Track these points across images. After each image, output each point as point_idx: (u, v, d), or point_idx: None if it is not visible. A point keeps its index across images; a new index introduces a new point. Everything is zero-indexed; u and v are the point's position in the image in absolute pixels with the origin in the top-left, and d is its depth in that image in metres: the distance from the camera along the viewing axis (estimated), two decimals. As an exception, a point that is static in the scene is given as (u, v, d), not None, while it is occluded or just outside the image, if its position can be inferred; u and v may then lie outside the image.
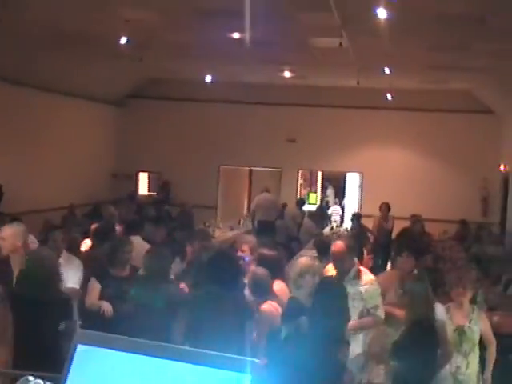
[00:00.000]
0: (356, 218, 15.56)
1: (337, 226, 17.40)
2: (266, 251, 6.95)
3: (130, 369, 1.33)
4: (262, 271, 6.16)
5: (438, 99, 18.00)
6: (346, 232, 16.18)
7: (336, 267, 6.39)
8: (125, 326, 5.64)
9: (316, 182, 22.00)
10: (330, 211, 20.68)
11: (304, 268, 5.64)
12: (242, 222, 17.56)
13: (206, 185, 18.94)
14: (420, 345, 5.49)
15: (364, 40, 11.30)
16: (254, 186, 19.86)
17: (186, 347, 1.37)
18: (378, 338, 6.21)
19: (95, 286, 6.63)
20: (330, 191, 23.23)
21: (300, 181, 20.33)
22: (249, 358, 1.28)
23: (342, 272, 6.28)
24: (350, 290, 5.80)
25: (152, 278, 6.16)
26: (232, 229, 16.50)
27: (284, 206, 17.53)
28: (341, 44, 10.85)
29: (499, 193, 17.66)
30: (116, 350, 1.34)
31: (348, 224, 18.67)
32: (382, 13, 8.84)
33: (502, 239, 15.12)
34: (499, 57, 12.19)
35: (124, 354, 1.34)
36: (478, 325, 6.18)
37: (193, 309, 5.72)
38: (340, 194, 22.53)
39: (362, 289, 6.11)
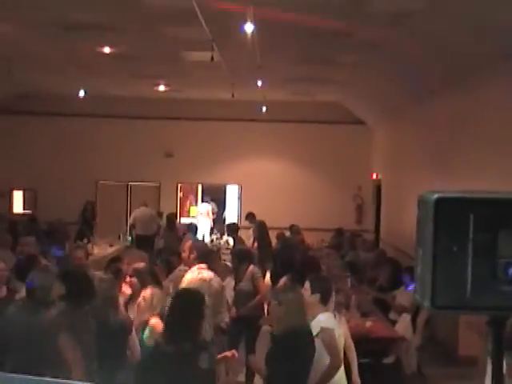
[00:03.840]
0: (232, 229, 15.59)
1: (217, 239, 17.42)
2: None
3: None
4: None
5: (310, 111, 18.49)
6: (226, 244, 16.26)
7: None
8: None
9: (196, 195, 22.02)
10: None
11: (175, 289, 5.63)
12: (121, 238, 17.31)
13: (84, 201, 18.57)
14: (293, 355, 5.48)
15: (235, 53, 11.44)
16: (133, 200, 19.64)
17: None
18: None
19: None
20: (211, 204, 23.29)
21: (180, 194, 20.28)
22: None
23: None
24: None
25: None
26: (111, 245, 16.22)
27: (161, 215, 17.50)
28: (212, 58, 10.94)
29: (372, 201, 18.29)
30: None
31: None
32: (249, 27, 8.96)
33: (375, 245, 15.62)
34: (363, 69, 12.66)
35: None
36: (341, 329, 6.33)
37: None
38: (221, 207, 22.64)
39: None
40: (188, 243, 8.01)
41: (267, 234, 14.47)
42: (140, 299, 6.59)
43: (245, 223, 17.30)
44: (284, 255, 10.37)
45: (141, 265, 7.15)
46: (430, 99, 11.89)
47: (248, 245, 14.18)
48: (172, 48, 11.54)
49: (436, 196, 2.09)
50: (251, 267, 9.69)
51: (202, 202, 22.30)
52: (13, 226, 15.57)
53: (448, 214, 2.07)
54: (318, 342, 5.73)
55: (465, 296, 2.05)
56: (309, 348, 5.59)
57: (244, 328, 8.57)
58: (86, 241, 15.65)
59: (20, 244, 9.74)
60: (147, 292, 6.62)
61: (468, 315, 2.51)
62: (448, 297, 2.07)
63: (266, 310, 8.41)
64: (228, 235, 15.29)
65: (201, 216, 21.69)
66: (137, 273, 6.92)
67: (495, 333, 2.20)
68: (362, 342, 7.85)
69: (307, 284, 6.26)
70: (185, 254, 7.86)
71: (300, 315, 5.62)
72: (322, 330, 5.92)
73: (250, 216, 15.99)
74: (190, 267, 7.64)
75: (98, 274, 6.53)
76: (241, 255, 9.64)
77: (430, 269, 2.07)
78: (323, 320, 6.06)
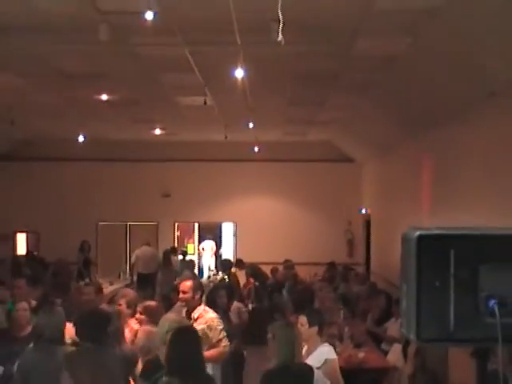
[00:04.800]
0: (226, 265, 15.86)
1: (214, 275, 17.75)
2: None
3: None
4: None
5: (301, 150, 18.93)
6: (222, 280, 16.58)
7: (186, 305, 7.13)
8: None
9: (193, 232, 22.49)
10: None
11: (172, 324, 5.40)
12: (121, 276, 17.66)
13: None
14: None
15: (227, 97, 11.78)
16: (132, 240, 20.05)
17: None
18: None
19: None
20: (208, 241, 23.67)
21: (177, 233, 20.71)
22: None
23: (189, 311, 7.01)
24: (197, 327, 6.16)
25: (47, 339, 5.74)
26: (112, 283, 16.55)
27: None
28: (205, 102, 11.42)
29: (362, 235, 18.76)
30: None
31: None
32: (239, 72, 9.40)
33: (366, 278, 15.98)
34: (352, 109, 13.06)
35: None
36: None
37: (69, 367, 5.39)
38: (217, 244, 23.04)
39: (205, 326, 6.68)
40: (188, 283, 7.23)
41: (259, 269, 14.90)
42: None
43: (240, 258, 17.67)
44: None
45: (152, 303, 7.10)
46: (417, 136, 12.01)
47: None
48: (167, 94, 11.85)
49: (417, 233, 2.16)
50: (235, 303, 10.19)
51: (200, 239, 22.70)
52: (16, 267, 15.89)
53: (430, 251, 2.15)
54: (319, 374, 5.73)
55: (448, 329, 2.12)
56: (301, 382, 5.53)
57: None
58: (87, 280, 16.01)
59: (12, 286, 9.48)
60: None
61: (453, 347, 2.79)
62: (432, 330, 2.13)
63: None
64: (223, 271, 15.64)
65: (205, 252, 22.07)
66: (148, 311, 6.76)
67: (479, 363, 2.31)
68: (355, 372, 7.98)
69: (303, 319, 6.41)
70: (188, 296, 7.05)
71: (290, 351, 5.50)
72: (327, 361, 6.12)
73: (239, 263, 16.14)
74: (192, 308, 7.07)
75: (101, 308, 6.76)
76: (229, 290, 9.94)
77: (415, 303, 2.14)
78: (326, 351, 6.30)
